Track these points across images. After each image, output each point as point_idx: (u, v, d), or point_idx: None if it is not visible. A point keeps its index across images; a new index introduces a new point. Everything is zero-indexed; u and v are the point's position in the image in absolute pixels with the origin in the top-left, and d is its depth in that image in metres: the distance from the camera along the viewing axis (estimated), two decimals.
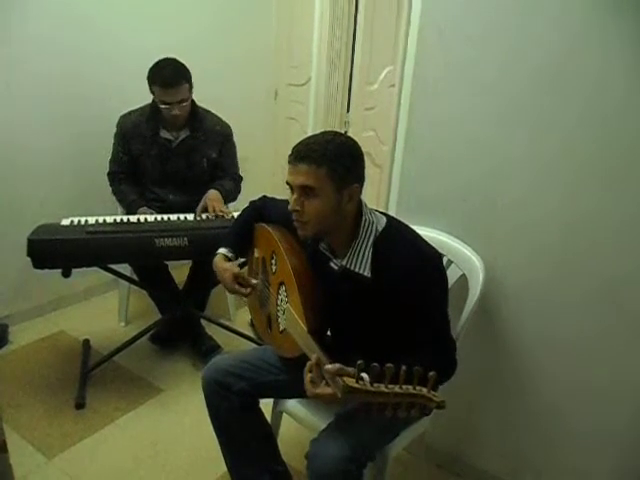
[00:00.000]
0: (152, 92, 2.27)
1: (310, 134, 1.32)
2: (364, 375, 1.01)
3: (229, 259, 1.62)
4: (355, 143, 1.30)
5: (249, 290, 1.57)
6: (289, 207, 1.29)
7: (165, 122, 2.35)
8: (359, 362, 1.01)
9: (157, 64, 2.23)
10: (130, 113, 2.41)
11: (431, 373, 0.98)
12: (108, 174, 2.48)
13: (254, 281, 1.57)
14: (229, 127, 2.53)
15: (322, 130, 1.34)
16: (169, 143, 2.39)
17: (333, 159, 1.22)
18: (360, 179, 1.29)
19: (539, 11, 1.44)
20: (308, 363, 1.16)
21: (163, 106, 2.25)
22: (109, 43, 2.68)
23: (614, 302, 1.50)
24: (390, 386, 0.99)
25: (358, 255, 1.30)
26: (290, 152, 1.27)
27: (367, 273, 1.29)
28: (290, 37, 3.56)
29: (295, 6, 3.47)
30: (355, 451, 1.25)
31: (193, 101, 2.38)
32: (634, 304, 1.47)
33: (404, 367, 0.98)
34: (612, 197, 1.44)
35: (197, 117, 2.40)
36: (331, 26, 3.17)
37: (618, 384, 1.54)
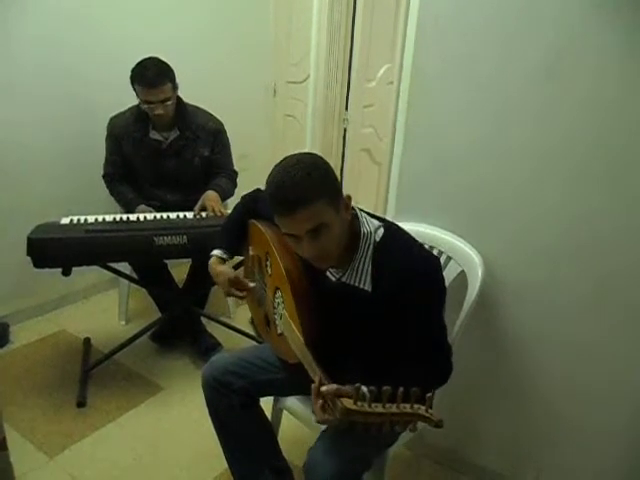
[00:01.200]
0: (135, 92, 2.26)
1: (278, 174, 1.18)
2: (364, 389, 1.00)
3: (224, 260, 1.60)
4: (319, 156, 1.24)
5: (245, 293, 1.54)
6: (305, 255, 1.22)
7: (154, 123, 2.34)
8: (356, 385, 0.99)
9: (139, 64, 2.22)
10: (120, 114, 2.40)
11: (428, 394, 0.97)
12: (103, 176, 2.48)
13: (251, 284, 1.54)
14: (220, 123, 2.50)
15: (286, 159, 1.21)
16: (159, 144, 2.38)
17: (322, 187, 1.15)
18: (340, 185, 1.26)
19: (537, 6, 1.43)
20: (313, 386, 1.11)
21: (146, 106, 2.25)
22: (107, 41, 2.67)
23: (614, 301, 1.50)
24: (387, 405, 0.99)
25: (358, 270, 1.27)
26: (275, 202, 1.16)
27: (367, 287, 1.27)
28: (289, 34, 3.55)
29: (293, 3, 3.46)
30: (350, 464, 1.25)
31: (181, 100, 2.37)
32: (633, 303, 1.47)
33: (401, 388, 0.97)
34: (612, 195, 1.44)
35: (186, 116, 2.38)
36: (329, 24, 3.16)
37: (618, 383, 1.54)
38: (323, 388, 1.06)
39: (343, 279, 1.29)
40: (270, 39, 3.60)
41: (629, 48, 1.34)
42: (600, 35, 1.36)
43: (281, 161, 1.21)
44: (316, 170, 1.16)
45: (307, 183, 1.13)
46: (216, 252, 1.61)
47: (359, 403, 1.00)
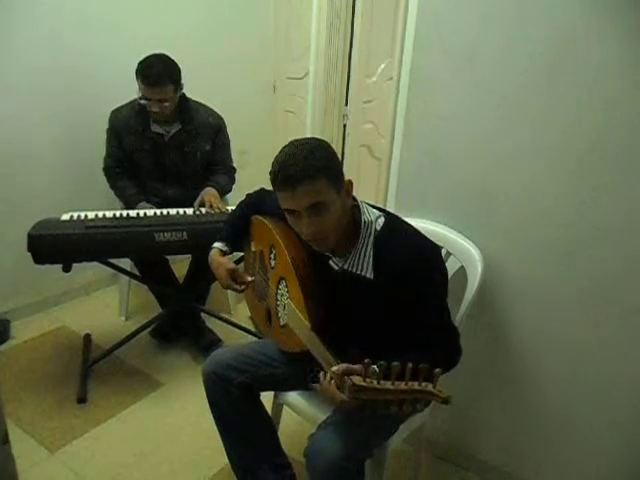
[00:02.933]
0: (138, 84, 2.26)
1: (283, 153, 1.23)
2: (373, 366, 1.02)
3: (225, 253, 1.62)
4: (325, 141, 1.28)
5: (243, 287, 1.57)
6: (304, 232, 1.24)
7: (155, 116, 2.33)
8: (366, 360, 1.01)
9: (146, 59, 2.22)
10: (120, 108, 2.39)
11: (436, 370, 0.98)
12: (104, 169, 2.47)
13: (249, 278, 1.57)
14: (221, 118, 2.51)
15: (290, 143, 1.26)
16: (161, 138, 2.37)
17: (324, 166, 1.20)
18: (342, 171, 1.29)
19: (537, 2, 1.43)
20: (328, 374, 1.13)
21: (143, 101, 2.25)
22: (108, 38, 2.67)
23: (614, 299, 1.50)
24: (396, 383, 1.00)
25: (359, 257, 1.30)
26: (277, 179, 1.21)
27: (369, 274, 1.29)
28: (289, 31, 3.55)
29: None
30: (352, 449, 1.26)
31: (184, 94, 2.36)
32: (633, 300, 1.47)
33: (410, 364, 0.98)
34: (612, 192, 1.44)
35: (188, 111, 2.38)
36: (329, 19, 3.16)
37: (618, 380, 1.55)
38: (333, 368, 1.08)
39: (345, 267, 1.32)
40: (270, 35, 3.60)
41: (630, 39, 1.33)
42: (601, 31, 1.36)
43: (289, 143, 1.26)
44: (320, 151, 1.22)
45: (310, 161, 1.18)
46: (217, 244, 1.63)
47: (368, 380, 1.01)
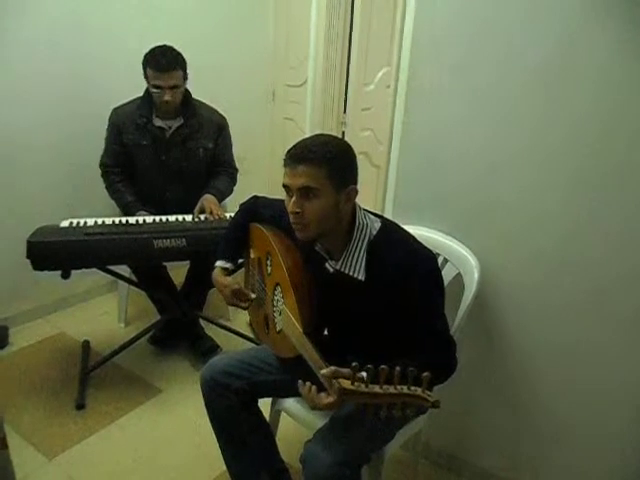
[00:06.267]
0: (145, 76, 2.27)
1: (305, 136, 1.32)
2: (362, 373, 1.02)
3: (227, 270, 1.65)
4: (350, 145, 1.31)
5: (247, 304, 1.60)
6: (288, 209, 1.27)
7: (158, 110, 2.33)
8: (354, 364, 1.01)
9: (154, 49, 2.24)
10: (122, 105, 2.39)
11: (425, 374, 0.99)
12: (100, 166, 2.45)
13: (253, 295, 1.60)
14: (224, 118, 2.52)
15: (317, 133, 1.35)
16: (162, 132, 2.36)
17: (333, 160, 1.23)
18: (356, 180, 1.30)
19: (536, 10, 1.44)
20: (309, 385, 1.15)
21: (155, 90, 2.25)
22: (107, 43, 2.69)
23: (611, 304, 1.51)
24: (385, 387, 1.00)
25: (352, 259, 1.31)
26: (286, 155, 1.27)
27: (361, 277, 1.30)
28: (288, 38, 3.58)
29: (292, 7, 3.49)
30: (349, 455, 1.26)
31: (188, 92, 2.37)
32: (629, 306, 1.48)
33: (398, 368, 0.99)
34: (609, 199, 1.45)
35: (191, 107, 2.38)
36: (328, 27, 3.18)
37: (616, 385, 1.55)
38: (322, 371, 1.08)
39: (337, 267, 1.33)
40: (269, 43, 3.63)
41: (632, 50, 1.35)
42: (601, 41, 1.37)
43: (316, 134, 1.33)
44: (336, 149, 1.26)
45: (320, 149, 1.23)
46: (219, 263, 1.65)
47: (356, 384, 1.02)
